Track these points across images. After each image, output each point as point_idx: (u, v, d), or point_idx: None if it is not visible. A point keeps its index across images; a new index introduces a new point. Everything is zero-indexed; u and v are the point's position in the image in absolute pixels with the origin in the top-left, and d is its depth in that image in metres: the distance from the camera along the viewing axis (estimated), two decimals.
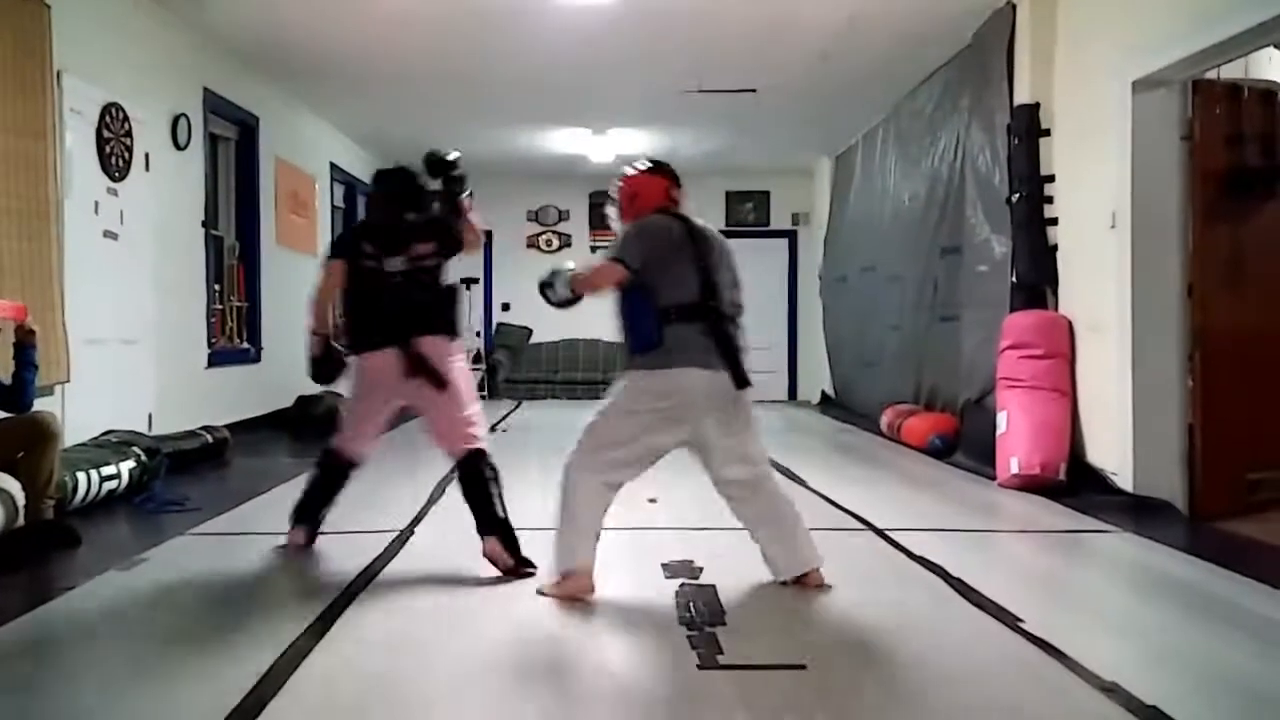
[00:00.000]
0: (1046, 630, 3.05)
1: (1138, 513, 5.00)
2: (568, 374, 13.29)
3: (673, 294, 3.47)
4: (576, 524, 3.49)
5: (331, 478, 4.22)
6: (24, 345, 4.20)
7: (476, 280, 12.62)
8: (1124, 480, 5.32)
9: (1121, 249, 5.33)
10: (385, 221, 4.11)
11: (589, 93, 9.14)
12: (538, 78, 8.49)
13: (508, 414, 10.78)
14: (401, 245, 3.97)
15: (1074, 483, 5.55)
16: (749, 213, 13.63)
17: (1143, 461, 5.23)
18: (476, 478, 3.88)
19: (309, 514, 4.21)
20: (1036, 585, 3.95)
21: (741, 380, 3.48)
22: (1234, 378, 5.11)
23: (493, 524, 3.81)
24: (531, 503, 4.21)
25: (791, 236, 13.64)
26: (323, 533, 4.22)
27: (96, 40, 6.04)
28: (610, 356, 13.44)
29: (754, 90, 8.80)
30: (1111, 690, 2.58)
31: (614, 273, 3.54)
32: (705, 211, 3.63)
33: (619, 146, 11.15)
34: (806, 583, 3.58)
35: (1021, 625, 3.12)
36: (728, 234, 3.82)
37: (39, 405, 4.66)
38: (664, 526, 4.59)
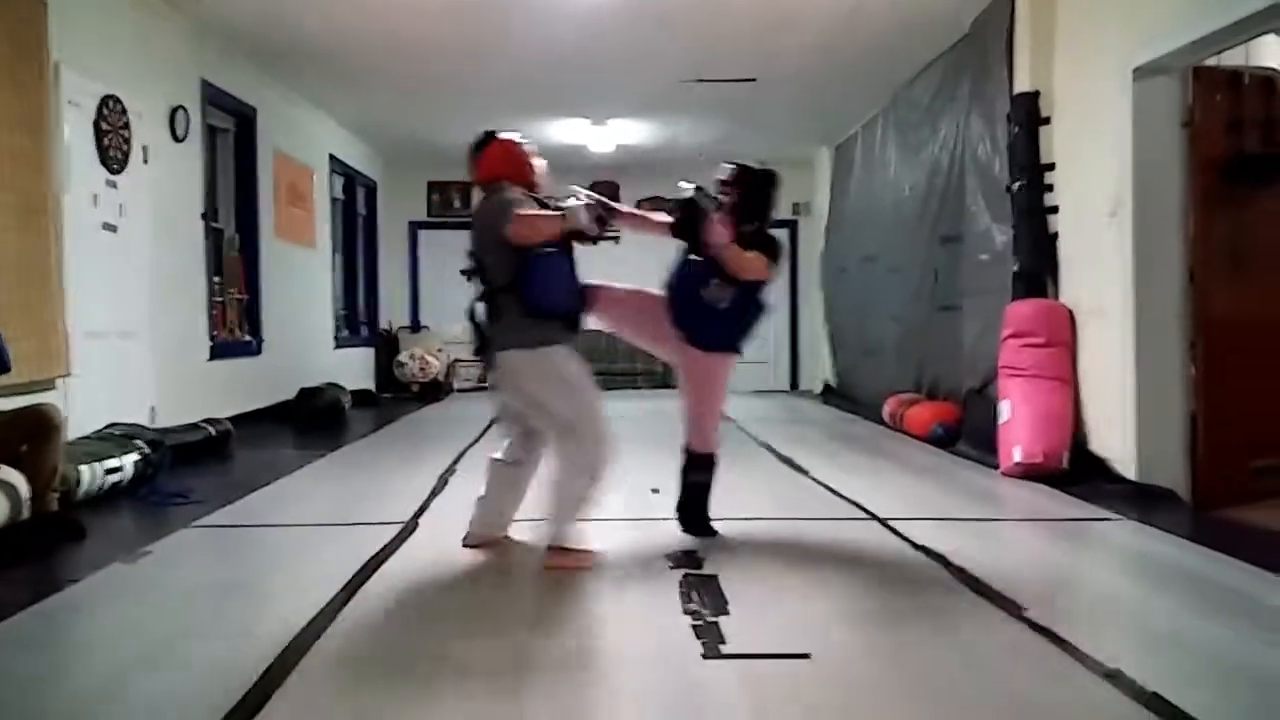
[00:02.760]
0: (1049, 618, 3.06)
1: (1141, 500, 5.00)
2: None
3: None
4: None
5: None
6: None
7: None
8: (1127, 468, 5.32)
9: (1122, 236, 5.33)
10: None
11: (588, 83, 9.11)
12: (537, 68, 8.46)
13: None
14: None
15: (1077, 471, 5.55)
16: None
17: (1146, 449, 5.23)
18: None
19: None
20: (1039, 573, 3.95)
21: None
22: (1237, 365, 5.11)
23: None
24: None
25: (792, 226, 13.58)
26: (327, 524, 4.20)
27: (93, 32, 6.02)
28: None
29: (753, 80, 8.78)
30: (1114, 676, 2.58)
31: None
32: None
33: (619, 137, 11.11)
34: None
35: (1025, 614, 3.12)
36: None
37: (41, 398, 4.67)
38: (667, 517, 4.59)
